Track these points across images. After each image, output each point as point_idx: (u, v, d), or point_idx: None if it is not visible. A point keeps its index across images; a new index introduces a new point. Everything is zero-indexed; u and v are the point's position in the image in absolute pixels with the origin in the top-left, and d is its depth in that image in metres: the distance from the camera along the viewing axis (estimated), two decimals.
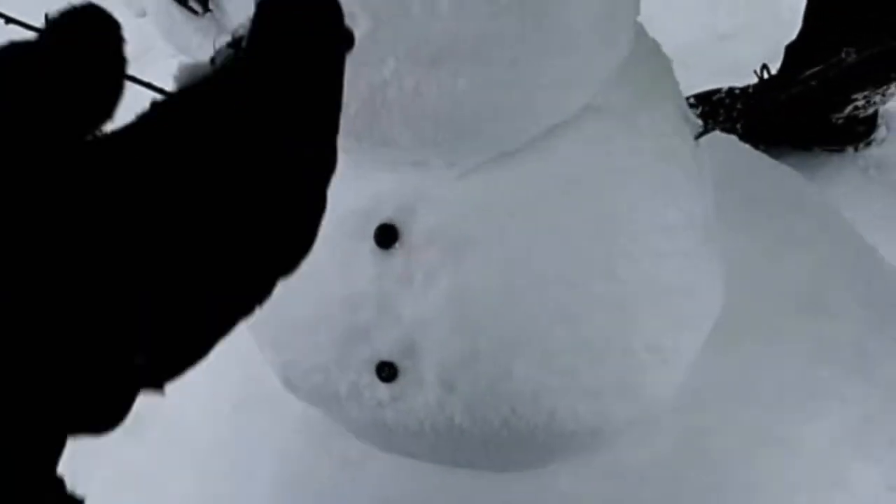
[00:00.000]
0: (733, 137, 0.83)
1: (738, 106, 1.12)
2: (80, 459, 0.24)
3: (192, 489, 0.70)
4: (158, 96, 0.20)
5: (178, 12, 0.40)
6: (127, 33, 0.20)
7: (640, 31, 0.53)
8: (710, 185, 0.53)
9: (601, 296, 0.47)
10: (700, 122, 0.53)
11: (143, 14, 1.76)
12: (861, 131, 1.08)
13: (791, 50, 1.04)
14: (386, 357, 0.50)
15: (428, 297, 0.48)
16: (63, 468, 0.19)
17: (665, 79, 0.52)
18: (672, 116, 0.51)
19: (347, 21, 0.37)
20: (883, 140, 1.11)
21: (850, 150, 1.10)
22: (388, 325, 0.49)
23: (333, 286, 0.50)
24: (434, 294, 0.48)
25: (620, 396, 0.50)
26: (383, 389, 0.51)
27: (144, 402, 0.20)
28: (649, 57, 0.52)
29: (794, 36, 1.04)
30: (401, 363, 0.50)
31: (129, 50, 0.20)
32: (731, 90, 1.15)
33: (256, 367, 0.62)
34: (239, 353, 0.80)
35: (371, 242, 0.49)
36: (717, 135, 0.67)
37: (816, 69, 0.48)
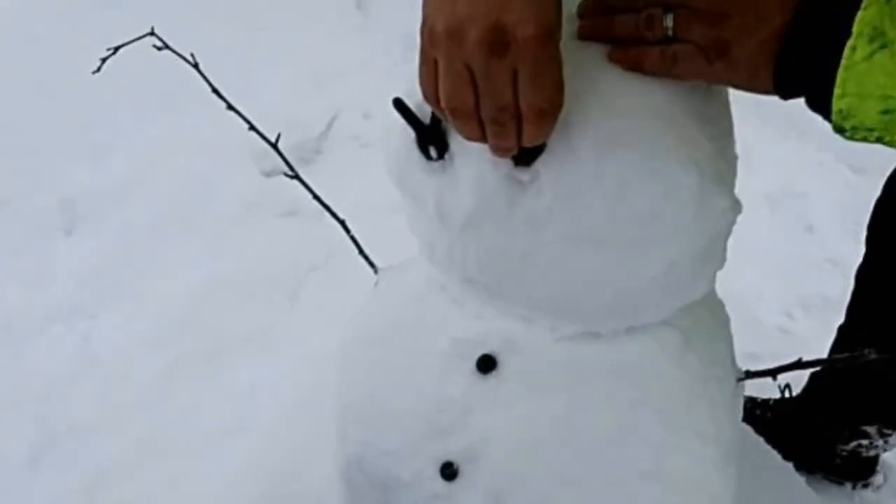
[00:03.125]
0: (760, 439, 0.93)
1: (758, 413, 1.24)
2: None
3: None
4: None
5: (417, 156, 0.57)
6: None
7: None
8: (739, 422, 0.65)
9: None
10: (742, 369, 0.67)
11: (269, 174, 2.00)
12: (861, 471, 1.19)
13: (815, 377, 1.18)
14: (453, 458, 0.60)
15: (503, 421, 0.60)
16: None
17: (721, 316, 0.66)
18: (723, 351, 0.64)
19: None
20: (879, 487, 1.21)
21: (849, 486, 1.20)
22: (464, 432, 0.60)
23: (430, 387, 0.62)
24: (509, 419, 0.60)
25: None
26: (441, 485, 0.60)
27: None
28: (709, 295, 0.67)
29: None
30: (463, 467, 0.60)
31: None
32: (752, 398, 1.28)
33: None
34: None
35: (472, 365, 0.62)
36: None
37: (838, 356, 0.62)
